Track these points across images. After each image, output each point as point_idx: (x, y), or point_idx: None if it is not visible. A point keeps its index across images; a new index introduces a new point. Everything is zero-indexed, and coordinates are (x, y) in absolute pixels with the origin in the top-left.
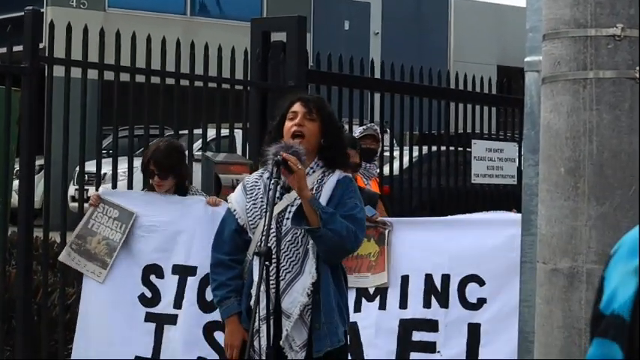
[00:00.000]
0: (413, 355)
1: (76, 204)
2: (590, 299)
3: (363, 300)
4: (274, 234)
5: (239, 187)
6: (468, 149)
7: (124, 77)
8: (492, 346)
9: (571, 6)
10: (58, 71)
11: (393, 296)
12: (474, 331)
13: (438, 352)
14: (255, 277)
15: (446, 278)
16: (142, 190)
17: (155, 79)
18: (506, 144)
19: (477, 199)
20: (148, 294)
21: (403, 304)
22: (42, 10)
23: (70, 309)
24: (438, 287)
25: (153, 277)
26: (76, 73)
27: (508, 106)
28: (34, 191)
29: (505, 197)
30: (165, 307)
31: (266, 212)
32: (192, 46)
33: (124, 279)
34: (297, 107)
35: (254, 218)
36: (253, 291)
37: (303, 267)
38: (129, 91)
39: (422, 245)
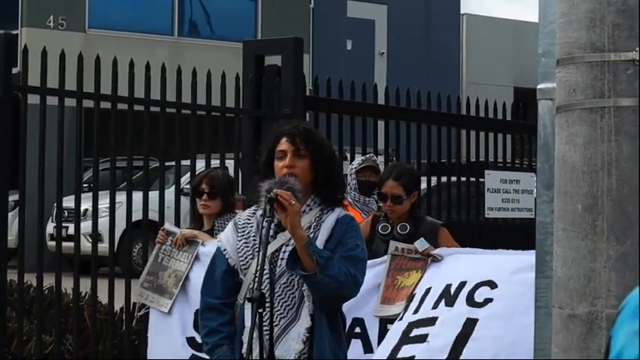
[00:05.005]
0: (404, 347)
1: (54, 243)
2: None
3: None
4: (268, 276)
5: (230, 225)
6: (480, 180)
7: (105, 105)
8: (479, 342)
9: (587, 29)
10: (33, 99)
11: (412, 306)
12: (469, 324)
13: (427, 342)
14: (248, 323)
15: (462, 284)
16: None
17: (139, 107)
18: (522, 174)
19: (490, 235)
20: None
21: (417, 310)
22: (16, 32)
23: (47, 359)
24: (452, 292)
25: None
26: (52, 101)
27: (524, 133)
28: (7, 230)
29: (522, 233)
30: None
31: (259, 252)
32: (180, 72)
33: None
34: (284, 145)
35: (245, 259)
36: (245, 338)
37: (299, 312)
38: (110, 121)
39: (452, 264)
